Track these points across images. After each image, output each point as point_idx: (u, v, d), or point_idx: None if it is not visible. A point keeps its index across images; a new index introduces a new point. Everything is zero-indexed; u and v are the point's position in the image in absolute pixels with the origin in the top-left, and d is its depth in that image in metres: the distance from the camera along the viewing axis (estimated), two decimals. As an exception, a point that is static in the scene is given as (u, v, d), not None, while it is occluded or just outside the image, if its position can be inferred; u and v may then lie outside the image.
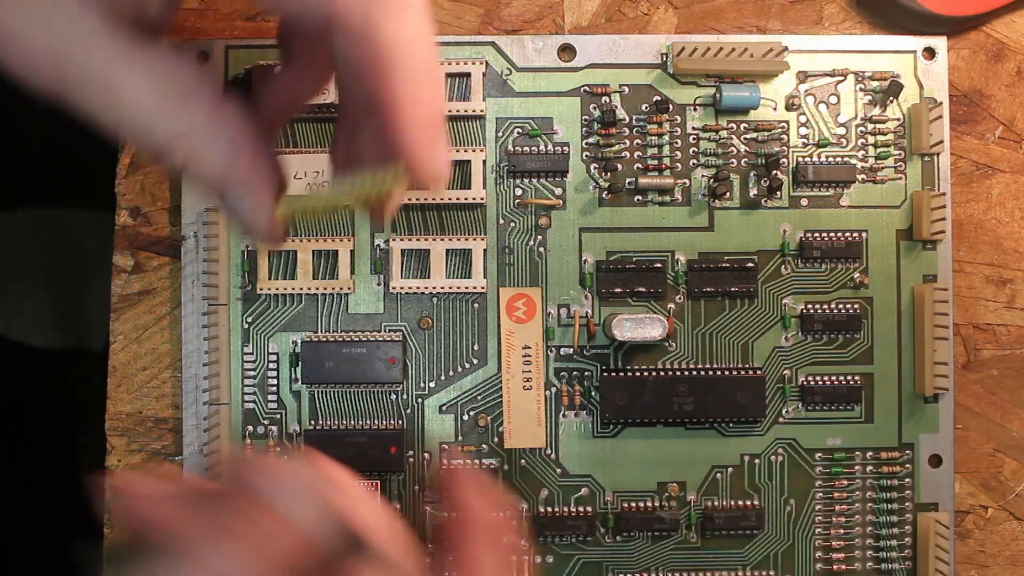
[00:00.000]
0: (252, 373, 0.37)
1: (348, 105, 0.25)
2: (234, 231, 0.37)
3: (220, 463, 0.35)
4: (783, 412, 0.38)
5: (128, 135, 0.22)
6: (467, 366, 0.37)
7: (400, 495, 0.37)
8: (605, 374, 0.37)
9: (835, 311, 0.38)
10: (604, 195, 0.38)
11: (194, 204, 0.37)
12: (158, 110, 0.22)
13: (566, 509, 0.37)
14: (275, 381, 0.37)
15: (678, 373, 0.37)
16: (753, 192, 0.38)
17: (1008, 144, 0.39)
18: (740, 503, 0.37)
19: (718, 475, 0.38)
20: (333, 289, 0.37)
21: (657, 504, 0.37)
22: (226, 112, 0.23)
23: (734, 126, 0.38)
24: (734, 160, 0.38)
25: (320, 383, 0.37)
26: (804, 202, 0.38)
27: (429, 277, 0.37)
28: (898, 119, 0.38)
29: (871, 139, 0.38)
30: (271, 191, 0.24)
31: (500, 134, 0.37)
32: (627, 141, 0.38)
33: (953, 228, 0.38)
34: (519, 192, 0.38)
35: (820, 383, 0.38)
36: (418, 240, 0.37)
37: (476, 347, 0.37)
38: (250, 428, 0.37)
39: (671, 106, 0.38)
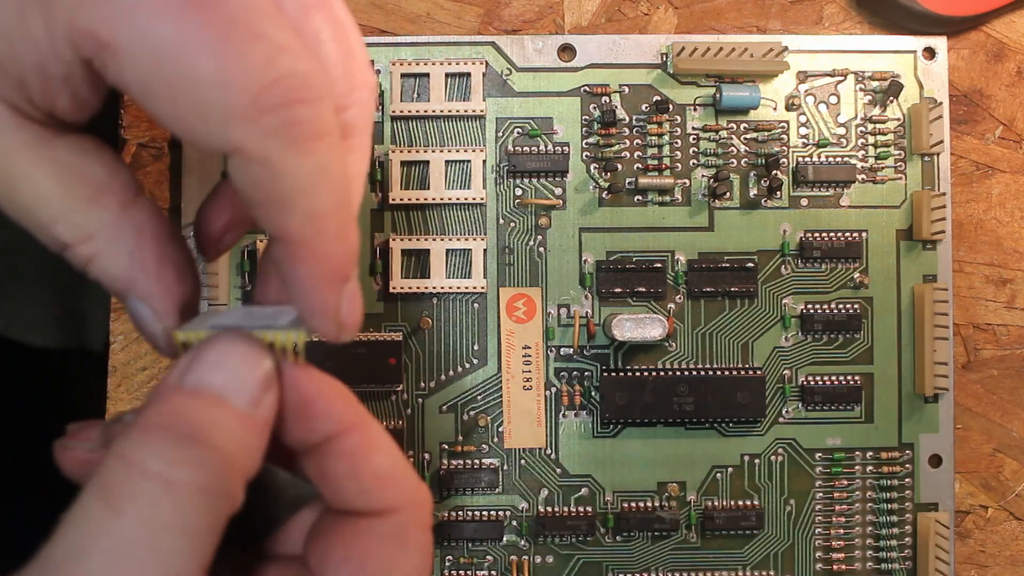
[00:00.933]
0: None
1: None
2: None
3: None
4: (783, 412, 0.38)
5: (30, 228, 0.21)
6: (467, 366, 0.37)
7: (400, 495, 0.37)
8: (605, 374, 0.37)
9: (835, 311, 0.38)
10: (604, 195, 0.38)
11: (194, 204, 0.37)
12: (61, 209, 0.21)
13: (566, 509, 0.37)
14: (275, 381, 0.37)
15: (678, 373, 0.37)
16: (753, 192, 0.38)
17: (1008, 144, 0.39)
18: (740, 503, 0.37)
19: (718, 475, 0.38)
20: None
21: (657, 504, 0.37)
22: (133, 216, 0.21)
23: (734, 126, 0.38)
24: (734, 160, 0.38)
25: (320, 383, 0.37)
26: (804, 202, 0.38)
27: (429, 277, 0.37)
28: (898, 119, 0.38)
29: (871, 139, 0.38)
30: (171, 305, 0.22)
31: (500, 134, 0.37)
32: (627, 141, 0.38)
33: (953, 228, 0.38)
34: (519, 192, 0.38)
35: (820, 383, 0.38)
36: (418, 240, 0.37)
37: (476, 347, 0.37)
38: (250, 428, 0.37)
39: (671, 106, 0.38)
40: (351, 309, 0.22)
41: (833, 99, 0.38)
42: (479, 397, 0.37)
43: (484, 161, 0.37)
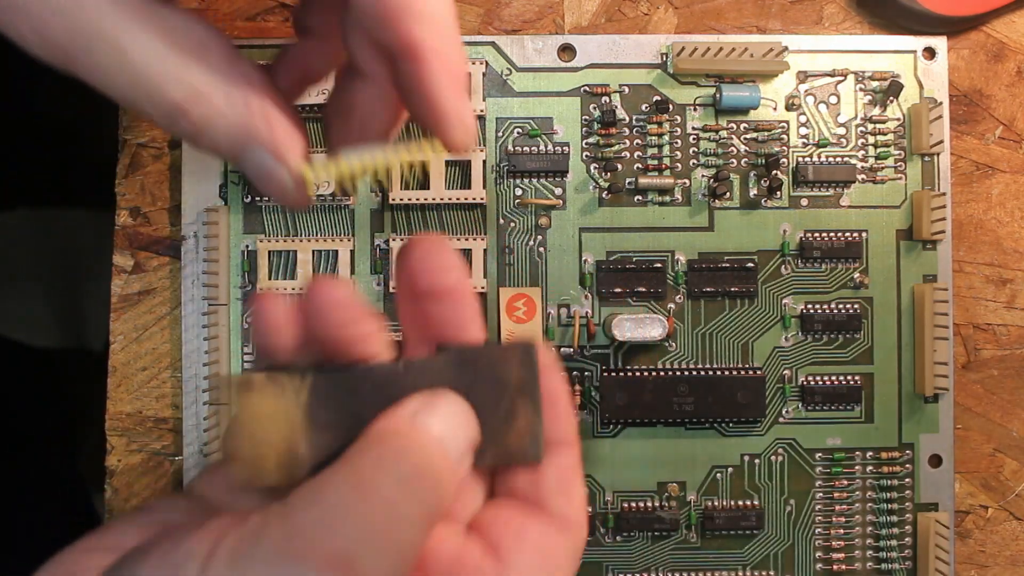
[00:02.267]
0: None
1: (368, 69, 0.24)
2: (235, 230, 0.37)
3: None
4: (783, 412, 0.38)
5: (139, 99, 0.21)
6: (467, 366, 0.37)
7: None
8: (605, 374, 0.37)
9: (835, 311, 0.38)
10: (604, 195, 0.38)
11: (194, 204, 0.37)
12: (171, 68, 0.21)
13: (566, 509, 0.37)
14: (275, 381, 0.37)
15: (678, 373, 0.37)
16: (753, 192, 0.38)
17: (1008, 144, 0.39)
18: (740, 503, 0.37)
19: (718, 475, 0.38)
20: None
21: (657, 504, 0.37)
22: (242, 69, 0.22)
23: (734, 126, 0.38)
24: (734, 160, 0.38)
25: (320, 383, 0.37)
26: (804, 202, 0.38)
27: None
28: (898, 119, 0.38)
29: (871, 139, 0.38)
30: (295, 147, 0.23)
31: (500, 134, 0.37)
32: (627, 141, 0.38)
33: (953, 228, 0.38)
34: (519, 192, 0.38)
35: (820, 383, 0.38)
36: (418, 240, 0.37)
37: (476, 347, 0.37)
38: (250, 428, 0.37)
39: (671, 106, 0.38)
40: (471, 117, 0.23)
41: (833, 99, 0.38)
42: (479, 397, 0.37)
43: (484, 161, 0.37)
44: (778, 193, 0.38)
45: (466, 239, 0.37)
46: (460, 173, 0.37)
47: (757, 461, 0.38)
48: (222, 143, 0.22)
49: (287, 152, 0.22)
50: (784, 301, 0.38)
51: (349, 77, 0.25)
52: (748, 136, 0.38)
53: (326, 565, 0.18)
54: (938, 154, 0.38)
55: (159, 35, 0.21)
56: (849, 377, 0.38)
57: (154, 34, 0.21)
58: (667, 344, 0.38)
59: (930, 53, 0.38)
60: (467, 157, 0.37)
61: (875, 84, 0.38)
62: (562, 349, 0.37)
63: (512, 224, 0.38)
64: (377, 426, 0.21)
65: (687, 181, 0.38)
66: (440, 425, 0.21)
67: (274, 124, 0.22)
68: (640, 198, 0.38)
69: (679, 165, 0.38)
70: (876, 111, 0.38)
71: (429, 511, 0.20)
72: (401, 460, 0.20)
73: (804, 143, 0.38)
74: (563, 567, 0.23)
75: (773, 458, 0.38)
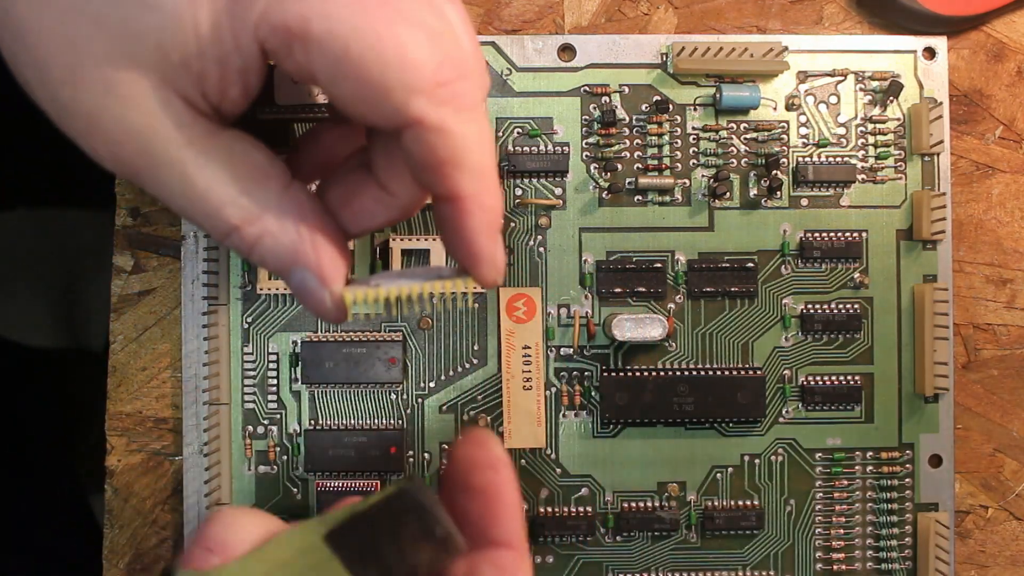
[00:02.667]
0: (252, 373, 0.37)
1: (390, 188, 0.25)
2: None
3: None
4: (783, 412, 0.38)
5: (197, 217, 0.23)
6: (467, 366, 0.37)
7: (400, 495, 0.37)
8: (605, 374, 0.37)
9: (835, 311, 0.38)
10: (604, 195, 0.38)
11: (194, 204, 0.37)
12: (230, 194, 0.23)
13: (566, 509, 0.37)
14: (275, 381, 0.37)
15: (678, 373, 0.37)
16: (753, 192, 0.38)
17: (1008, 144, 0.39)
18: (740, 503, 0.37)
19: (718, 475, 0.38)
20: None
21: (657, 504, 0.37)
22: (294, 196, 0.24)
23: (734, 126, 0.38)
24: (734, 160, 0.38)
25: (320, 383, 0.37)
26: (804, 202, 0.38)
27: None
28: (898, 119, 0.38)
29: (871, 139, 0.38)
30: (338, 273, 0.24)
31: (500, 134, 0.37)
32: (627, 141, 0.38)
33: (953, 228, 0.38)
34: (519, 192, 0.38)
35: (820, 383, 0.38)
36: (418, 240, 0.37)
37: (476, 347, 0.37)
38: (250, 428, 0.37)
39: (671, 106, 0.38)
40: (502, 258, 0.25)
41: (833, 99, 0.38)
42: (479, 397, 0.37)
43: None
44: (778, 193, 0.38)
45: (466, 239, 0.37)
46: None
47: (757, 461, 0.38)
48: (270, 261, 0.24)
49: (329, 276, 0.24)
50: (784, 301, 0.38)
51: (362, 170, 0.26)
52: (748, 136, 0.38)
53: None
54: (938, 154, 0.38)
55: (221, 162, 0.23)
56: (849, 377, 0.38)
57: (217, 161, 0.23)
58: (667, 344, 0.38)
59: (930, 53, 0.38)
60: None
61: (875, 84, 0.38)
62: (562, 349, 0.37)
63: (512, 224, 0.38)
64: None
65: (687, 181, 0.38)
66: None
67: (320, 250, 0.24)
68: (640, 198, 0.38)
69: (679, 165, 0.38)
70: (876, 111, 0.38)
71: None
72: None
73: (804, 143, 0.38)
74: None
75: (773, 458, 0.38)
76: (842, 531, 0.38)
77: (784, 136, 0.38)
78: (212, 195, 0.23)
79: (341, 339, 0.37)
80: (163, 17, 0.21)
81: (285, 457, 0.37)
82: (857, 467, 0.38)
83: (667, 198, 0.38)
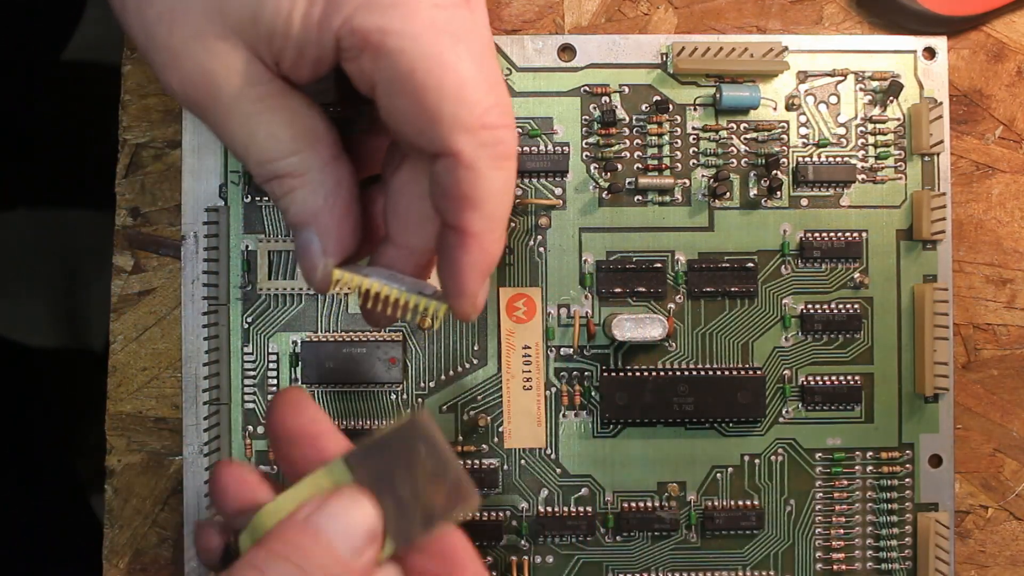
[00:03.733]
0: (252, 373, 0.37)
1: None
2: (235, 230, 0.37)
3: None
4: (783, 412, 0.38)
5: (247, 159, 0.25)
6: (467, 366, 0.37)
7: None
8: (605, 374, 0.37)
9: (835, 311, 0.38)
10: (604, 195, 0.38)
11: (194, 204, 0.37)
12: (287, 149, 0.25)
13: (566, 509, 0.37)
14: (275, 381, 0.37)
15: (678, 373, 0.37)
16: (753, 192, 0.38)
17: (1008, 144, 0.39)
18: (740, 503, 0.37)
19: (718, 475, 0.38)
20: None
21: (657, 504, 0.37)
22: (338, 168, 0.26)
23: (734, 126, 0.38)
24: (734, 160, 0.38)
25: (320, 383, 0.37)
26: (804, 202, 0.38)
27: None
28: (898, 119, 0.38)
29: (871, 139, 0.38)
30: (341, 247, 0.26)
31: (500, 134, 0.37)
32: (627, 141, 0.38)
33: (953, 228, 0.38)
34: (519, 192, 0.38)
35: (820, 383, 0.38)
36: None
37: (476, 347, 0.37)
38: (250, 428, 0.37)
39: (671, 106, 0.38)
40: (484, 297, 0.26)
41: (833, 99, 0.38)
42: (479, 397, 0.37)
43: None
44: (778, 193, 0.38)
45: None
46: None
47: (757, 461, 0.38)
48: (291, 214, 0.26)
49: (333, 250, 0.26)
50: (784, 301, 0.38)
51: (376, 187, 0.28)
52: (748, 136, 0.38)
53: None
54: (938, 154, 0.38)
55: (283, 121, 0.25)
56: (849, 377, 0.38)
57: (280, 119, 0.25)
58: (667, 344, 0.38)
59: (930, 53, 0.38)
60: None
61: (875, 84, 0.38)
62: (562, 349, 0.37)
63: (512, 224, 0.38)
64: (267, 535, 0.23)
65: (687, 181, 0.38)
66: (327, 522, 0.23)
67: (337, 223, 0.26)
68: (640, 198, 0.38)
69: (679, 165, 0.38)
70: (876, 111, 0.38)
71: None
72: (278, 563, 0.22)
73: (804, 143, 0.38)
74: None
75: (773, 458, 0.38)
76: (842, 531, 0.38)
77: (784, 136, 0.38)
78: (268, 146, 0.25)
79: (341, 339, 0.37)
80: None
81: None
82: (857, 467, 0.38)
83: (667, 198, 0.38)
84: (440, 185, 0.24)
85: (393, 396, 0.37)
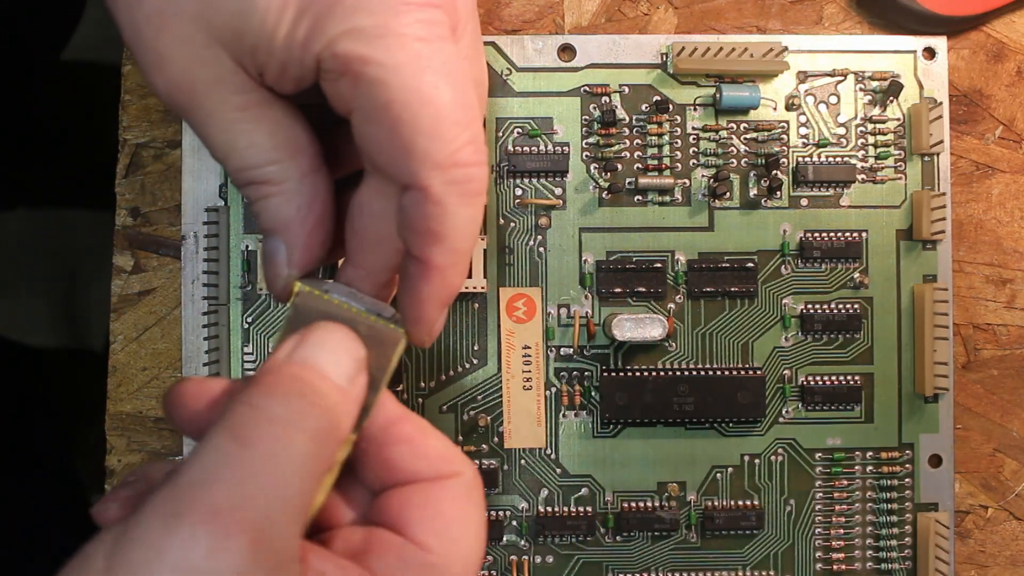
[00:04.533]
0: (252, 373, 0.37)
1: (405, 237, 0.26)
2: (235, 230, 0.37)
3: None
4: (783, 412, 0.38)
5: (226, 163, 0.25)
6: (467, 366, 0.37)
7: (400, 495, 0.37)
8: (605, 374, 0.37)
9: (835, 311, 0.38)
10: (604, 195, 0.38)
11: (194, 204, 0.37)
12: (266, 159, 0.25)
13: (566, 509, 0.37)
14: (275, 381, 0.37)
15: (678, 373, 0.37)
16: (753, 192, 0.38)
17: (1008, 144, 0.39)
18: (740, 503, 0.37)
19: (718, 475, 0.38)
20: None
21: (657, 504, 0.37)
22: (316, 182, 0.26)
23: (734, 126, 0.38)
24: (734, 160, 0.38)
25: (320, 383, 0.37)
26: (804, 202, 0.38)
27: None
28: (898, 119, 0.38)
29: (871, 139, 0.38)
30: (306, 260, 0.26)
31: (500, 134, 0.37)
32: (627, 141, 0.38)
33: (953, 228, 0.38)
34: (519, 192, 0.38)
35: (820, 383, 0.38)
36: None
37: (476, 347, 0.37)
38: (250, 428, 0.37)
39: (671, 106, 0.38)
40: (441, 325, 0.26)
41: (833, 99, 0.38)
42: (479, 397, 0.37)
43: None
44: (778, 193, 0.38)
45: (466, 239, 0.37)
46: (460, 173, 0.37)
47: (757, 461, 0.38)
48: (263, 220, 0.26)
49: (297, 262, 0.26)
50: (784, 301, 0.38)
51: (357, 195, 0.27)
52: (748, 136, 0.38)
53: (202, 519, 0.18)
54: (938, 154, 0.38)
55: (265, 130, 0.25)
56: (849, 377, 0.38)
57: (261, 128, 0.25)
58: (667, 344, 0.38)
59: (930, 53, 0.38)
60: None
61: (875, 84, 0.38)
62: (562, 349, 0.37)
63: (512, 224, 0.38)
64: (254, 377, 0.23)
65: (687, 181, 0.38)
66: (314, 352, 0.23)
67: (306, 237, 0.26)
68: (640, 198, 0.38)
69: (679, 165, 0.38)
70: (876, 111, 0.38)
71: (318, 435, 0.21)
72: (275, 396, 0.21)
73: (804, 143, 0.38)
74: None
75: (773, 458, 0.38)
76: (842, 531, 0.38)
77: (784, 136, 0.38)
78: (248, 154, 0.25)
79: (341, 339, 0.37)
80: (252, 10, 0.23)
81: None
82: (857, 467, 0.38)
83: (667, 198, 0.38)
84: (407, 216, 0.24)
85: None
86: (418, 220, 0.24)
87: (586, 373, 0.37)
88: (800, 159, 0.38)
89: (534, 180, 0.38)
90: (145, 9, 0.24)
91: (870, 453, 0.38)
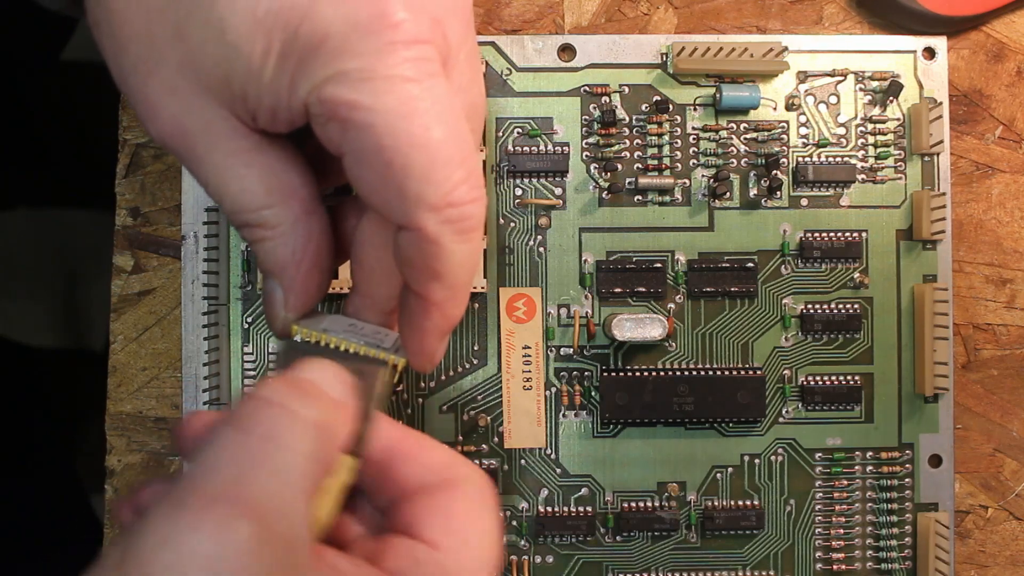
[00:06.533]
0: (252, 373, 0.37)
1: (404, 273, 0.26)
2: (235, 230, 0.37)
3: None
4: (783, 412, 0.38)
5: (220, 204, 0.25)
6: (467, 366, 0.37)
7: (400, 495, 0.37)
8: (605, 374, 0.37)
9: (835, 311, 0.38)
10: (604, 195, 0.38)
11: (194, 204, 0.37)
12: (259, 204, 0.25)
13: (566, 509, 0.37)
14: (275, 381, 0.37)
15: (678, 373, 0.37)
16: (753, 192, 0.38)
17: (1008, 144, 0.39)
18: (740, 503, 0.37)
19: (718, 475, 0.38)
20: (333, 289, 0.37)
21: (657, 504, 0.37)
22: (309, 225, 0.25)
23: (734, 126, 0.38)
24: (734, 160, 0.38)
25: (320, 383, 0.37)
26: (804, 202, 0.38)
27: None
28: (898, 119, 0.38)
29: (871, 139, 0.38)
30: (303, 302, 0.26)
31: (500, 134, 0.37)
32: (627, 141, 0.38)
33: (953, 228, 0.38)
34: (519, 192, 0.38)
35: (820, 383, 0.38)
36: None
37: (476, 347, 0.37)
38: (250, 428, 0.37)
39: (671, 106, 0.38)
40: (441, 354, 0.26)
41: (833, 99, 0.38)
42: (479, 397, 0.37)
43: (484, 161, 0.37)
44: (778, 193, 0.38)
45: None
46: (460, 173, 0.37)
47: (757, 461, 0.38)
48: (260, 261, 0.26)
49: (294, 305, 0.26)
50: (784, 301, 0.38)
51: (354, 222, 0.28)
52: (748, 136, 0.38)
53: (205, 504, 0.19)
54: (938, 154, 0.38)
55: (257, 176, 0.25)
56: (849, 377, 0.38)
57: (254, 174, 0.25)
58: (667, 344, 0.38)
59: (930, 53, 0.38)
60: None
61: (875, 84, 0.38)
62: (562, 349, 0.37)
63: (512, 224, 0.38)
64: (248, 394, 0.23)
65: (687, 181, 0.38)
66: (304, 371, 0.24)
67: (302, 280, 0.26)
68: (640, 198, 0.38)
69: (679, 165, 0.38)
70: (876, 111, 0.38)
71: (316, 424, 0.21)
72: (273, 387, 0.22)
73: (804, 143, 0.38)
74: None
75: (773, 458, 0.38)
76: (842, 531, 0.38)
77: (784, 136, 0.38)
78: (241, 199, 0.25)
79: (341, 339, 0.37)
80: (235, 56, 0.23)
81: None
82: (857, 467, 0.38)
83: (667, 198, 0.38)
84: (404, 254, 0.24)
85: (393, 396, 0.37)
86: (415, 258, 0.24)
87: (586, 373, 0.37)
88: (800, 159, 0.38)
89: (534, 180, 0.38)
90: (130, 58, 0.24)
91: (870, 453, 0.38)
